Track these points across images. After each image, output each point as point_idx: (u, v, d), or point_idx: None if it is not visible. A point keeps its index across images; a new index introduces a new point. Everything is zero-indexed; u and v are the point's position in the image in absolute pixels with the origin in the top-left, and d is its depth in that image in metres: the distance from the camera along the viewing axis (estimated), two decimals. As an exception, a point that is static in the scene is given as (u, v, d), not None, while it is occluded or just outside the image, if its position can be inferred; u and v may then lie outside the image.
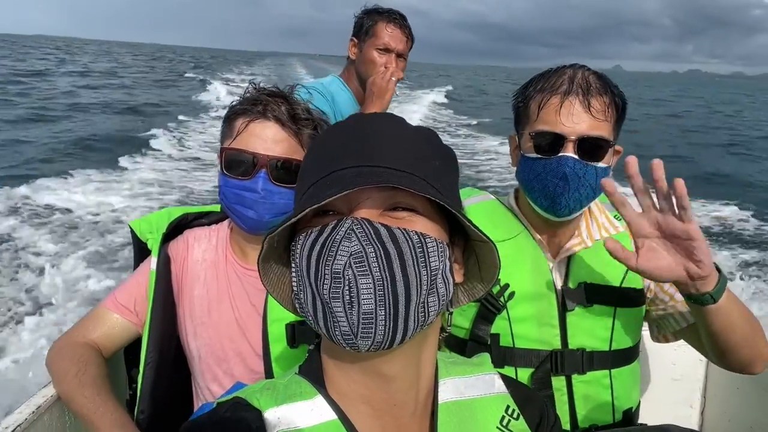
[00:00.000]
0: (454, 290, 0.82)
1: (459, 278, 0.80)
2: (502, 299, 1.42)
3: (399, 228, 0.69)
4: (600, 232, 1.49)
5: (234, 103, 1.44)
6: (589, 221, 1.50)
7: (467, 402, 0.83)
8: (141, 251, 1.57)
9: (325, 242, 0.68)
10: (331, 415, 0.76)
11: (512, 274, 1.43)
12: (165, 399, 1.49)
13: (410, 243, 0.69)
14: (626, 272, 1.47)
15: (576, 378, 1.44)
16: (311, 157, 0.79)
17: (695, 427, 1.93)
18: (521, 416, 0.85)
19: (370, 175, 0.69)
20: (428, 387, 0.81)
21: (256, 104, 1.38)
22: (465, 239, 0.81)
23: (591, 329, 1.45)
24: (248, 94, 1.42)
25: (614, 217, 1.54)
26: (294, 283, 0.74)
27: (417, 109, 24.64)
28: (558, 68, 1.41)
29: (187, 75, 41.72)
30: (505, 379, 0.90)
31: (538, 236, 1.47)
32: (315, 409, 0.76)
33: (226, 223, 1.55)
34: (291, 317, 1.40)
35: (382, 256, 0.67)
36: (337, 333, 0.68)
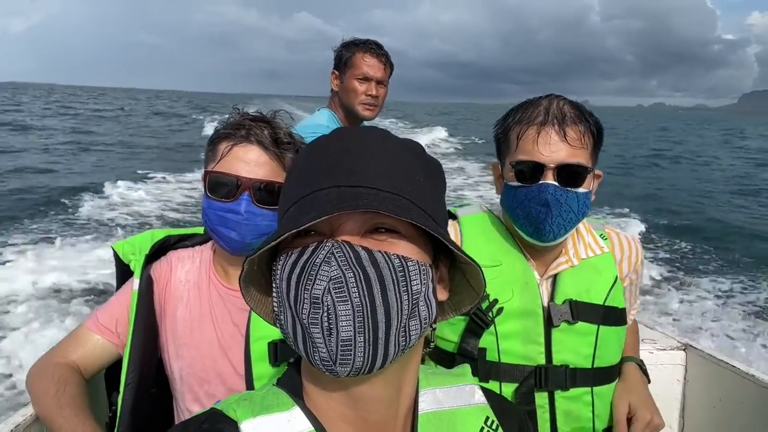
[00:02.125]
0: (440, 306, 0.82)
1: (443, 296, 0.79)
2: (490, 314, 1.45)
3: (380, 251, 0.68)
4: (586, 252, 1.54)
5: (218, 127, 1.47)
6: (576, 240, 1.55)
7: (447, 412, 0.82)
8: (123, 273, 1.57)
9: (304, 265, 0.67)
10: (308, 426, 0.74)
11: (502, 291, 1.47)
12: (145, 420, 1.47)
13: (391, 267, 0.68)
14: (609, 291, 1.52)
15: (559, 394, 1.47)
16: (293, 174, 0.78)
17: None
18: (500, 428, 0.85)
19: (352, 198, 0.67)
20: (409, 403, 0.80)
21: (239, 128, 1.42)
22: (451, 256, 0.80)
23: (575, 346, 1.48)
24: (232, 119, 1.46)
25: (600, 236, 1.59)
26: (275, 304, 0.73)
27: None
28: (534, 99, 1.47)
29: (193, 116, 41.87)
30: (485, 391, 0.90)
31: (528, 255, 1.52)
32: (292, 420, 0.75)
33: (209, 244, 1.56)
34: (273, 335, 1.41)
35: (362, 280, 0.66)
36: (316, 358, 0.67)
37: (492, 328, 1.45)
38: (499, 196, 1.54)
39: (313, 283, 0.66)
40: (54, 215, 10.77)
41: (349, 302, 0.65)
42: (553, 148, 1.38)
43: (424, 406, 0.81)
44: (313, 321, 0.65)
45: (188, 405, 1.46)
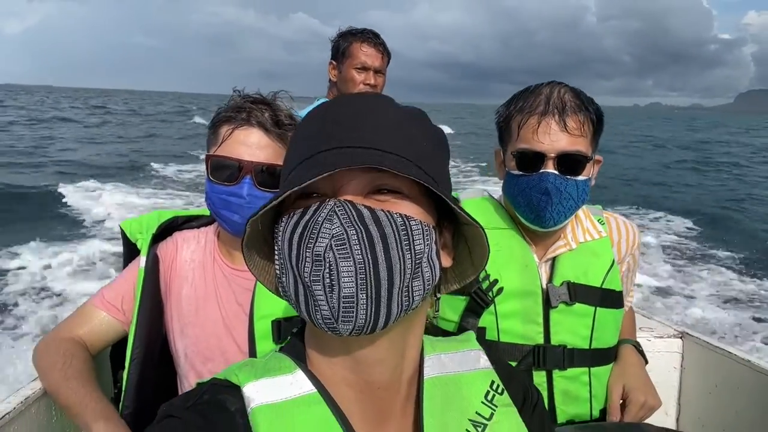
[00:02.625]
0: (444, 274, 0.82)
1: (447, 263, 0.79)
2: (490, 294, 1.48)
3: (383, 210, 0.68)
4: (584, 236, 1.58)
5: (220, 109, 1.48)
6: (574, 225, 1.58)
7: (453, 377, 0.82)
8: (130, 252, 1.59)
9: (306, 224, 0.67)
10: (310, 388, 0.75)
11: (502, 271, 1.50)
12: (150, 396, 1.49)
13: (394, 225, 0.67)
14: (606, 274, 1.55)
15: (556, 373, 1.49)
16: (296, 139, 0.78)
17: None
18: (506, 391, 0.84)
19: (353, 156, 0.67)
20: (413, 367, 0.80)
21: (240, 111, 1.43)
22: (454, 223, 0.80)
23: (573, 327, 1.51)
24: (233, 102, 1.47)
25: (598, 221, 1.63)
26: (277, 267, 0.72)
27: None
28: (535, 87, 1.49)
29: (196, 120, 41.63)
30: (490, 355, 0.90)
31: (528, 238, 1.55)
32: (295, 383, 0.75)
33: (214, 225, 1.58)
34: (277, 313, 1.43)
35: (365, 238, 0.65)
36: (318, 317, 0.67)
37: (492, 307, 1.48)
38: (501, 182, 1.57)
39: (315, 241, 0.65)
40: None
41: (351, 259, 0.65)
42: (553, 137, 1.40)
43: (429, 370, 0.81)
44: (315, 278, 0.65)
45: (192, 383, 1.47)
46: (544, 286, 1.52)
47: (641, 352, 1.66)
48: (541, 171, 1.41)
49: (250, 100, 1.45)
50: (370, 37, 2.76)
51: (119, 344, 1.55)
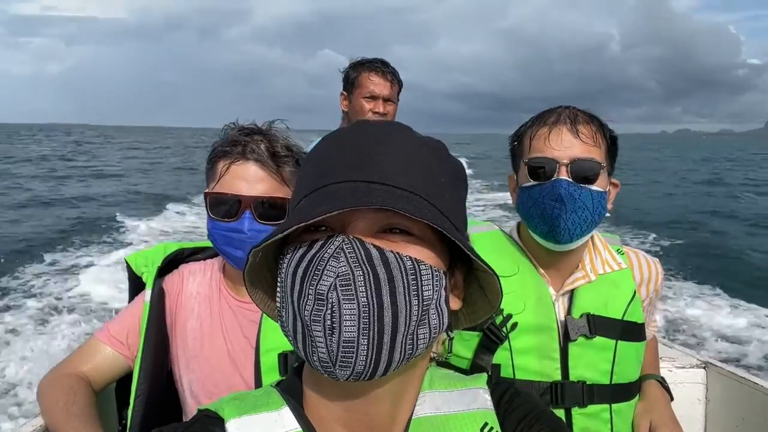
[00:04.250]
0: (454, 314, 0.78)
1: (456, 305, 0.76)
2: (504, 330, 1.43)
3: (392, 251, 0.65)
4: (603, 267, 1.52)
5: (216, 144, 1.46)
6: (593, 256, 1.53)
7: (441, 417, 0.77)
8: (136, 286, 1.58)
9: (312, 259, 0.64)
10: (294, 426, 0.72)
11: (515, 306, 1.44)
12: None
13: (403, 269, 0.64)
14: (628, 306, 1.50)
15: (576, 411, 1.43)
16: (307, 165, 0.75)
17: None
18: None
19: (366, 194, 0.64)
20: (409, 408, 0.76)
21: (235, 145, 1.41)
22: (467, 263, 0.77)
23: (592, 362, 1.45)
24: (228, 136, 1.45)
25: (617, 251, 1.57)
26: (278, 300, 0.70)
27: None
28: (547, 109, 1.48)
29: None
30: (502, 395, 0.83)
31: (542, 270, 1.50)
32: (278, 421, 0.73)
33: (220, 257, 1.58)
34: (283, 346, 1.40)
35: (371, 280, 0.62)
36: (315, 359, 0.64)
37: (506, 343, 1.43)
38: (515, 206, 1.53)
39: (320, 279, 0.62)
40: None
41: (356, 301, 0.62)
42: (565, 144, 1.38)
43: (419, 409, 0.77)
44: (315, 318, 0.62)
45: None
46: (562, 319, 1.46)
47: (666, 388, 1.60)
48: (554, 179, 1.38)
49: (245, 133, 1.44)
50: (378, 65, 2.78)
51: (124, 380, 1.53)
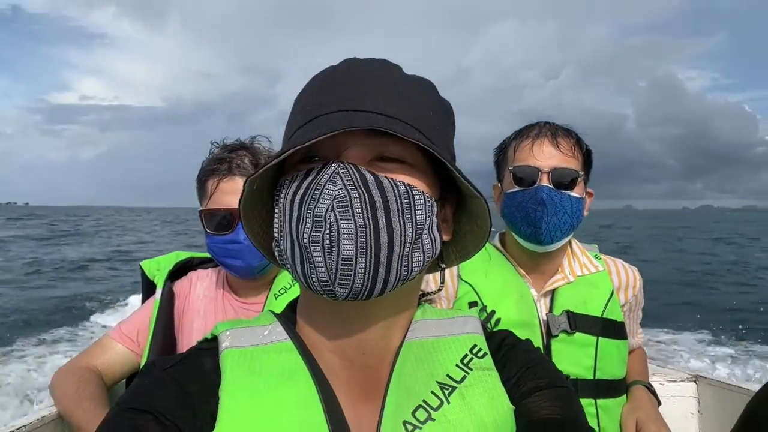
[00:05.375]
0: (445, 250, 0.81)
1: (447, 236, 0.77)
2: (489, 325, 1.51)
3: (386, 177, 0.66)
4: (582, 270, 1.63)
5: (204, 164, 1.57)
6: (571, 259, 1.64)
7: (431, 341, 0.77)
8: (148, 290, 1.69)
9: (309, 185, 0.65)
10: (284, 336, 0.74)
11: (499, 303, 1.54)
12: None
13: (397, 193, 0.66)
14: (606, 304, 1.59)
15: None
16: (299, 101, 0.75)
17: None
18: (488, 355, 0.78)
19: (358, 119, 0.65)
20: (401, 335, 0.77)
21: (221, 162, 1.53)
22: (457, 197, 0.78)
23: (575, 357, 1.52)
24: (213, 154, 1.57)
25: (594, 257, 1.68)
26: (276, 229, 0.70)
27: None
28: (528, 124, 1.62)
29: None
30: (503, 340, 0.82)
31: (523, 272, 1.60)
32: (269, 332, 0.75)
33: None
34: None
35: (367, 202, 0.64)
36: (314, 279, 0.64)
37: None
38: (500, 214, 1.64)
39: (317, 202, 0.64)
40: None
41: (353, 222, 0.63)
42: (546, 154, 1.51)
43: (410, 335, 0.77)
44: (314, 239, 0.63)
45: None
46: (544, 318, 1.55)
47: (654, 393, 1.65)
48: (536, 185, 1.50)
49: (228, 150, 1.55)
50: None
51: (134, 379, 1.63)
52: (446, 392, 0.72)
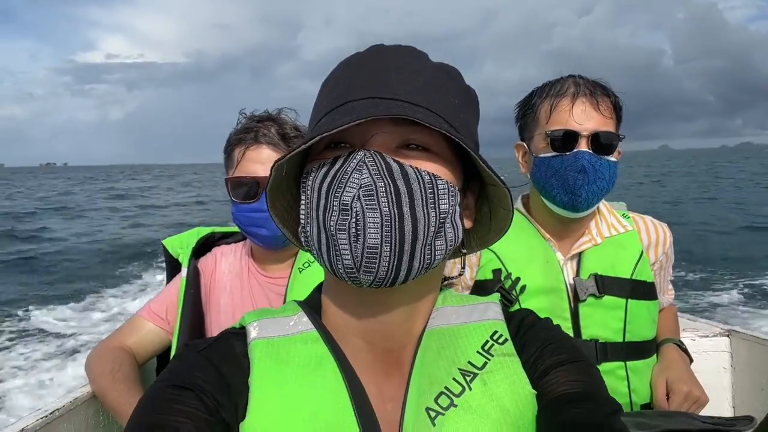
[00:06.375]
0: (466, 237, 0.83)
1: (468, 224, 0.79)
2: (514, 292, 1.49)
3: (411, 166, 0.68)
4: (609, 231, 1.57)
5: (231, 134, 1.58)
6: (598, 220, 1.58)
7: (452, 328, 0.79)
8: (173, 267, 1.70)
9: (336, 174, 0.67)
10: (310, 327, 0.76)
11: (524, 269, 1.50)
12: None
13: (421, 183, 0.67)
14: (636, 265, 1.54)
15: None
16: (326, 87, 0.76)
17: None
18: (509, 341, 0.79)
19: (385, 107, 0.67)
20: (423, 321, 0.79)
21: (248, 132, 1.53)
22: (479, 185, 0.80)
23: (603, 320, 1.49)
24: (240, 125, 1.57)
25: (622, 215, 1.62)
26: (302, 215, 0.72)
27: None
28: (557, 79, 1.53)
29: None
30: (522, 320, 0.83)
31: (548, 236, 1.56)
32: (294, 323, 0.77)
33: (248, 240, 1.71)
34: None
35: (392, 192, 0.65)
36: (339, 266, 0.66)
37: (516, 306, 1.48)
38: (527, 174, 1.58)
39: (343, 190, 0.65)
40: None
41: (378, 211, 0.64)
42: (587, 116, 1.43)
43: (432, 322, 0.79)
44: (341, 227, 0.65)
45: None
46: (571, 281, 1.51)
47: (685, 350, 1.62)
48: (576, 150, 1.43)
49: (255, 120, 1.56)
50: None
51: (164, 357, 1.65)
52: (468, 379, 0.74)
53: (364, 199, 0.65)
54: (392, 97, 0.69)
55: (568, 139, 1.44)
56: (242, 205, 1.51)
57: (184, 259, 1.67)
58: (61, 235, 19.41)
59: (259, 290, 1.60)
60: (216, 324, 1.59)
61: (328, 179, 0.67)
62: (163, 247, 1.73)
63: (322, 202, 0.67)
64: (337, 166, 0.68)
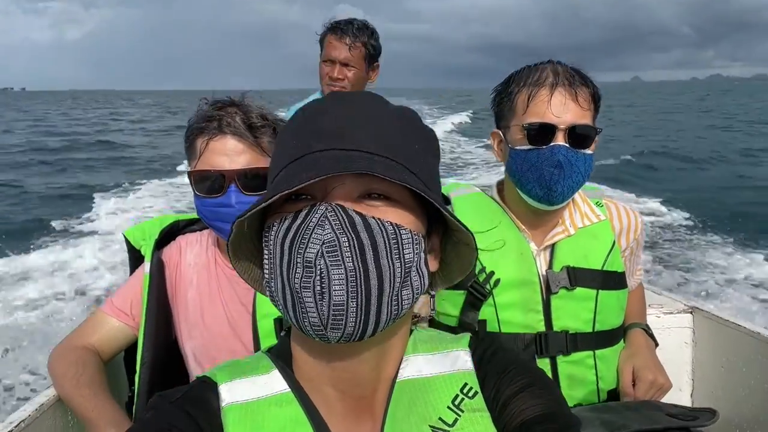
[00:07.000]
0: (432, 276, 0.82)
1: (434, 267, 0.79)
2: (488, 286, 1.48)
3: (374, 218, 0.67)
4: (582, 221, 1.56)
5: (191, 121, 1.47)
6: (572, 210, 1.57)
7: (423, 380, 0.79)
8: (136, 259, 1.63)
9: (298, 229, 0.66)
10: (284, 387, 0.76)
11: (497, 262, 1.49)
12: None
13: (385, 234, 0.67)
14: (608, 256, 1.54)
15: (560, 359, 1.49)
16: (285, 136, 0.76)
17: None
18: (479, 394, 0.79)
19: (345, 161, 0.66)
20: (394, 367, 0.79)
21: (211, 120, 1.42)
22: (444, 225, 0.80)
23: (574, 312, 1.50)
24: (201, 111, 1.46)
25: (595, 204, 1.61)
26: (266, 271, 0.72)
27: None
28: (535, 64, 1.48)
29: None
30: (483, 352, 0.84)
31: (523, 227, 1.54)
32: (269, 383, 0.76)
33: None
34: (278, 312, 1.49)
35: (356, 246, 0.65)
36: (306, 324, 0.66)
37: (490, 299, 1.48)
38: (501, 163, 1.55)
39: (306, 246, 0.65)
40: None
41: (343, 267, 0.64)
42: (565, 108, 1.40)
43: (402, 372, 0.79)
44: (305, 285, 0.64)
45: None
46: (543, 273, 1.51)
47: (651, 335, 1.66)
48: (552, 144, 1.40)
49: (218, 107, 1.45)
50: (340, 27, 2.65)
51: (133, 349, 1.59)
52: None
53: (328, 256, 0.64)
54: (353, 149, 0.69)
55: (545, 132, 1.41)
56: (207, 200, 1.44)
57: (146, 251, 1.60)
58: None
59: (227, 284, 1.55)
60: (184, 319, 1.54)
61: (290, 234, 0.67)
62: (125, 238, 1.66)
63: (286, 258, 0.67)
64: (299, 221, 0.67)
